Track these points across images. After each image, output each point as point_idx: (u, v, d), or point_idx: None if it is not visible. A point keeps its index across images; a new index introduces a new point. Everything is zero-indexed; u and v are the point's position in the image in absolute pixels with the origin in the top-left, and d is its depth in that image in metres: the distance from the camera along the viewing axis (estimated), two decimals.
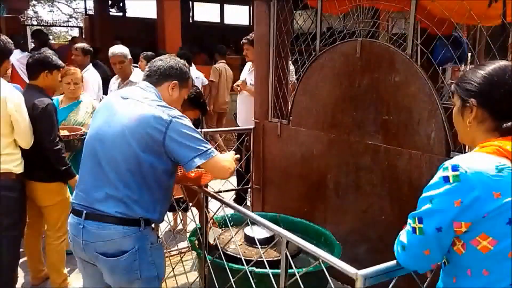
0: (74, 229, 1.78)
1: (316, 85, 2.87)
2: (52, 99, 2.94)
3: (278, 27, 3.14)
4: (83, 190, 1.78)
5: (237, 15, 12.78)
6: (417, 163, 2.27)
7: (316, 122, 2.90)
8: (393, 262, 1.21)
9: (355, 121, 2.61)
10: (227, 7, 12.77)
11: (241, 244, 2.23)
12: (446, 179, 1.06)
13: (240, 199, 4.23)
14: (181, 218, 3.58)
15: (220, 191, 3.69)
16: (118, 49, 3.85)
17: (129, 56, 3.83)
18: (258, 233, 2.19)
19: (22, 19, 10.92)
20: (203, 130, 3.23)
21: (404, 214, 1.22)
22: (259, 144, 3.42)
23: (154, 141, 1.68)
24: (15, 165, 2.68)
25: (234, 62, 6.90)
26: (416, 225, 1.11)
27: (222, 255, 1.91)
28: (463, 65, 4.38)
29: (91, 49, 4.62)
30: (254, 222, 2.19)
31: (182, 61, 1.94)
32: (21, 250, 3.07)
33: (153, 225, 1.86)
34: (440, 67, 3.89)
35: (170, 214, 3.70)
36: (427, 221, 1.09)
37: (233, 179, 4.73)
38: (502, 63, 1.14)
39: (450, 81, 4.41)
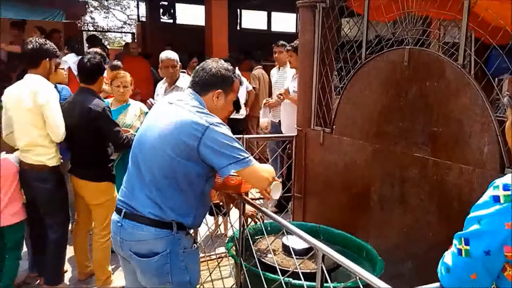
0: (114, 227, 1.84)
1: (361, 94, 2.80)
2: (104, 101, 3.09)
3: (323, 34, 3.10)
4: (125, 190, 1.84)
5: (284, 23, 12.80)
6: (468, 179, 2.15)
7: (360, 132, 2.82)
8: (437, 285, 1.14)
9: (401, 131, 2.52)
10: (274, 14, 12.83)
11: (279, 253, 2.19)
12: (496, 199, 0.99)
13: (281, 206, 4.20)
14: (221, 222, 3.60)
15: (261, 198, 3.69)
16: (171, 54, 3.93)
17: (178, 62, 3.92)
18: (296, 243, 2.15)
19: (79, 24, 11.51)
20: (244, 136, 3.24)
21: (453, 231, 1.14)
22: (301, 152, 3.38)
23: (188, 146, 1.69)
24: (48, 157, 2.86)
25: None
26: (462, 246, 1.04)
27: (257, 263, 1.88)
28: None
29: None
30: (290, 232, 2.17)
31: (225, 65, 1.91)
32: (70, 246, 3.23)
33: (190, 230, 1.86)
34: (496, 78, 3.68)
35: (210, 218, 3.74)
36: (474, 243, 1.02)
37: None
38: None
39: (506, 93, 4.16)
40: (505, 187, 0.98)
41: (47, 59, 2.92)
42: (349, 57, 2.98)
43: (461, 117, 2.18)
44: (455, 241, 1.08)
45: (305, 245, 2.13)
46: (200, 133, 1.68)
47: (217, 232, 3.88)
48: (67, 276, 3.28)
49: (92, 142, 2.92)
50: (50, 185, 2.89)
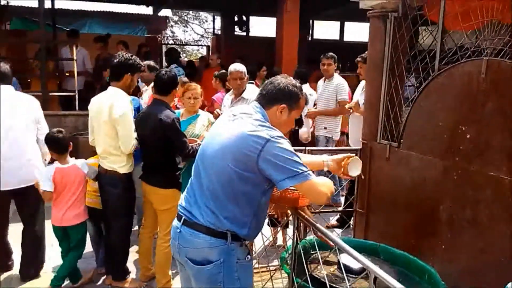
0: (174, 232, 1.90)
1: (433, 107, 2.64)
2: (175, 113, 3.24)
3: (394, 44, 2.97)
4: (187, 198, 1.90)
5: (358, 32, 12.56)
6: None
7: (430, 147, 2.66)
8: None
9: (476, 148, 2.33)
10: (347, 24, 12.64)
11: (334, 270, 2.12)
12: None
13: (343, 222, 4.07)
14: (276, 233, 3.56)
15: (322, 211, 3.61)
16: (239, 66, 4.03)
17: (246, 74, 4.00)
18: (353, 261, 2.06)
19: (159, 38, 12.22)
20: (307, 148, 3.19)
21: None
22: (366, 166, 3.25)
23: (248, 158, 1.70)
24: (120, 165, 3.07)
25: (350, 80, 6.76)
26: None
27: (308, 278, 1.83)
28: None
29: (157, 66, 4.89)
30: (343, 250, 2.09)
31: (293, 81, 1.92)
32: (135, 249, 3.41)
33: (245, 242, 1.85)
34: None
35: (269, 229, 3.72)
36: None
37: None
38: None
39: None
40: None
41: (129, 73, 3.12)
42: (421, 68, 2.83)
43: None
44: None
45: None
46: (260, 145, 1.69)
47: (276, 243, 3.85)
48: (131, 276, 3.43)
49: (162, 151, 3.07)
50: (119, 190, 3.10)
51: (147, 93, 4.24)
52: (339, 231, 3.86)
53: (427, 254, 2.59)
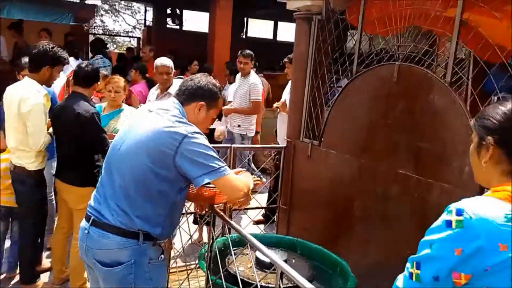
0: (81, 234, 1.81)
1: (350, 108, 2.77)
2: (95, 107, 3.08)
3: (317, 46, 3.08)
4: (96, 197, 1.81)
5: (290, 32, 12.86)
6: (448, 198, 2.08)
7: (347, 146, 2.79)
8: None
9: (387, 148, 2.48)
10: (281, 24, 12.88)
11: (251, 266, 2.15)
12: (448, 224, 0.95)
13: (267, 218, 4.15)
14: (201, 230, 3.55)
15: (247, 208, 3.65)
16: (166, 61, 3.93)
17: (173, 69, 3.92)
18: (275, 257, 2.10)
19: (86, 27, 11.59)
20: (232, 145, 3.20)
21: None
22: (289, 163, 3.34)
23: (165, 154, 1.67)
24: (28, 162, 2.88)
25: (280, 79, 6.91)
26: (414, 270, 1.00)
27: (222, 276, 1.84)
28: None
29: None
30: (265, 244, 2.12)
31: (214, 81, 1.93)
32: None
33: (158, 241, 1.80)
34: (495, 97, 3.64)
35: (194, 227, 3.69)
36: (424, 267, 0.97)
37: (263, 197, 4.67)
38: None
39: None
40: (458, 212, 0.95)
41: (48, 66, 2.94)
42: (341, 70, 2.95)
43: (445, 136, 2.14)
44: (408, 264, 1.04)
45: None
46: (177, 142, 1.66)
47: (201, 241, 3.83)
48: (43, 280, 3.24)
49: (78, 147, 2.91)
50: (27, 188, 2.91)
51: (59, 84, 3.97)
52: (265, 226, 3.92)
53: (343, 248, 2.71)
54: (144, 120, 1.77)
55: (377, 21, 2.60)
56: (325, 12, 3.00)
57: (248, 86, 5.01)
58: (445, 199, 2.11)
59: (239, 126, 5.08)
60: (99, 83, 3.18)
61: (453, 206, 0.97)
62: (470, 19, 2.11)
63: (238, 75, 5.32)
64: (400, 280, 1.06)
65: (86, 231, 1.76)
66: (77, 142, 2.88)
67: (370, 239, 2.58)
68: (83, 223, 1.81)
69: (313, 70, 3.12)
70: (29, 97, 2.82)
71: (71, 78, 3.27)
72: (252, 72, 5.18)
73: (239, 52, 5.11)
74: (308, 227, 3.16)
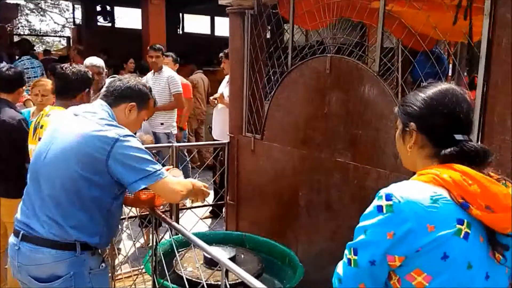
0: (11, 251, 1.71)
1: (288, 100, 2.82)
2: (21, 112, 2.91)
3: (252, 41, 3.09)
4: (24, 209, 1.71)
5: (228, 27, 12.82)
6: (385, 183, 2.18)
7: (288, 138, 2.84)
8: None
9: (325, 138, 2.55)
10: (217, 19, 12.78)
11: (199, 266, 2.13)
12: (379, 209, 1.00)
13: (215, 214, 4.14)
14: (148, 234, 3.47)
15: (193, 207, 3.61)
16: (95, 61, 3.79)
17: (103, 69, 3.76)
18: (218, 254, 2.10)
19: (9, 28, 10.83)
20: (173, 144, 3.15)
21: None
22: (234, 159, 3.35)
23: (96, 160, 1.60)
24: None
25: (219, 74, 6.88)
26: (352, 256, 1.04)
27: (168, 278, 1.81)
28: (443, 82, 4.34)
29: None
30: (213, 243, 2.12)
31: (144, 82, 1.88)
32: None
33: (97, 249, 1.74)
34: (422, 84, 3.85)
35: (143, 230, 3.61)
36: (361, 253, 1.02)
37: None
38: (444, 86, 1.08)
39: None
40: (388, 197, 1.00)
41: None
42: (276, 64, 2.99)
43: (378, 124, 2.24)
44: (346, 251, 1.08)
45: (227, 256, 2.08)
46: (109, 146, 1.60)
47: (149, 244, 3.75)
48: None
49: (6, 156, 2.73)
50: None
51: None
52: (214, 221, 3.92)
53: (291, 239, 2.77)
54: (70, 124, 1.69)
55: (307, 14, 2.65)
56: (257, 6, 3.02)
57: (166, 80, 4.77)
58: (382, 184, 2.17)
59: (162, 124, 4.78)
60: (24, 87, 2.99)
61: (383, 192, 1.02)
62: (393, 10, 2.21)
63: (149, 74, 5.00)
64: (340, 266, 1.10)
65: (16, 247, 1.66)
66: (4, 151, 2.70)
67: (315, 228, 2.66)
68: (12, 238, 1.71)
69: (249, 65, 3.13)
70: None
71: None
72: (165, 66, 4.93)
73: (149, 46, 4.85)
74: (257, 221, 3.19)
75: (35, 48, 10.10)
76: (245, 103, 3.21)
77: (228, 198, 3.46)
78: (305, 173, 2.70)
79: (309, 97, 2.66)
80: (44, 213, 1.63)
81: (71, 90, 2.41)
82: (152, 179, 1.64)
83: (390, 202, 0.98)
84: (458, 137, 1.03)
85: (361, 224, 1.04)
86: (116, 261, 2.94)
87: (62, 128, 1.70)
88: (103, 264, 1.76)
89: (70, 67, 2.50)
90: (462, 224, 0.96)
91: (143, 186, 1.64)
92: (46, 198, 1.64)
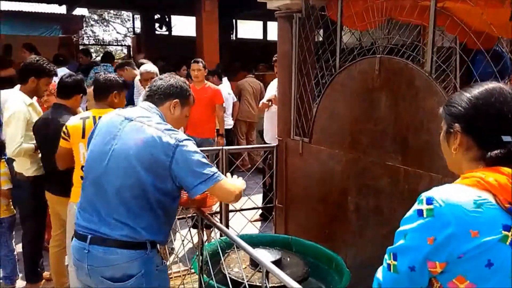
0: (78, 254, 1.75)
1: (336, 103, 2.78)
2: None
3: (300, 44, 3.09)
4: (86, 215, 1.76)
5: None
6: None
7: (336, 141, 2.80)
8: None
9: (374, 141, 2.49)
10: (270, 24, 12.87)
11: (245, 267, 2.16)
12: (420, 213, 0.96)
13: (265, 217, 4.16)
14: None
15: (243, 209, 3.66)
16: (150, 67, 3.96)
17: (157, 75, 3.91)
18: (264, 256, 2.12)
19: (75, 38, 11.58)
20: (223, 148, 3.22)
21: None
22: (282, 162, 3.36)
23: (160, 165, 1.67)
24: (25, 168, 3.06)
25: (268, 78, 6.93)
26: (391, 261, 1.01)
27: (213, 277, 1.85)
28: (506, 82, 4.08)
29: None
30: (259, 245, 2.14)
31: (182, 79, 1.95)
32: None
33: (158, 247, 1.83)
34: None
35: (193, 231, 3.70)
36: (400, 258, 0.99)
37: (258, 197, 4.69)
38: (491, 85, 1.02)
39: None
40: (428, 201, 0.96)
41: (34, 77, 3.07)
42: (325, 66, 2.96)
43: (430, 126, 2.15)
44: (386, 256, 1.05)
45: (271, 258, 2.09)
46: (171, 151, 1.67)
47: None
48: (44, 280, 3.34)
49: None
50: (25, 193, 3.05)
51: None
52: (263, 224, 3.94)
53: (339, 243, 2.73)
54: (129, 130, 1.74)
55: (356, 15, 2.61)
56: (305, 9, 3.01)
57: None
58: None
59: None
60: (82, 95, 3.17)
61: (424, 195, 0.98)
62: (445, 7, 2.12)
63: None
64: (380, 271, 1.07)
65: (85, 251, 1.70)
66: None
67: (364, 233, 2.59)
68: (77, 243, 1.75)
69: (298, 68, 3.13)
70: (9, 105, 2.97)
71: (53, 90, 3.30)
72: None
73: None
74: (305, 224, 3.17)
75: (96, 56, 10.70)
76: (293, 107, 3.21)
77: (276, 201, 3.47)
78: (354, 177, 2.65)
79: (358, 99, 2.61)
80: (112, 217, 1.69)
81: (101, 93, 2.73)
82: (212, 182, 1.69)
83: (431, 206, 0.94)
84: (506, 138, 0.97)
85: (401, 228, 1.01)
86: (168, 261, 3.04)
87: (122, 134, 1.75)
88: (164, 261, 1.83)
89: (103, 74, 2.83)
90: (509, 231, 0.90)
91: (203, 189, 1.69)
92: (113, 203, 1.69)
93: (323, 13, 2.98)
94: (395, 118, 2.34)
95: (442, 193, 0.95)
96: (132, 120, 1.78)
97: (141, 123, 1.75)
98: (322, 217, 2.98)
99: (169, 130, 1.73)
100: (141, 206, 1.69)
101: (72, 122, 2.62)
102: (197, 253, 2.01)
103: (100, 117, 2.62)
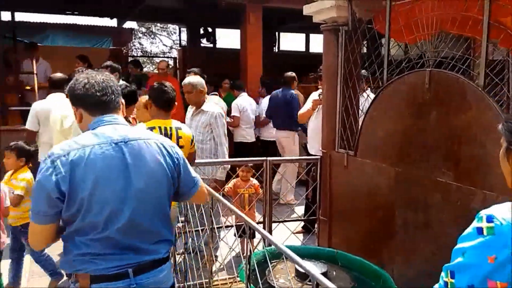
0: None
1: (384, 116, 2.75)
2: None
3: (346, 57, 3.09)
4: (113, 259, 1.54)
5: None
6: (492, 205, 2.04)
7: (383, 155, 2.76)
8: None
9: (424, 155, 2.44)
10: (312, 36, 12.88)
11: (292, 278, 2.17)
12: (479, 231, 0.94)
13: (307, 229, 4.14)
14: (243, 243, 3.59)
15: (286, 220, 3.67)
16: (189, 79, 3.91)
17: (200, 87, 3.79)
18: (310, 267, 2.12)
19: (125, 50, 12.08)
20: (268, 159, 3.25)
21: None
22: (326, 175, 3.35)
23: (174, 174, 1.67)
24: None
25: (314, 90, 6.91)
26: (448, 279, 1.00)
27: (260, 286, 1.87)
28: None
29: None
30: (304, 257, 2.13)
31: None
32: None
33: None
34: None
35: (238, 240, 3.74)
36: (459, 276, 0.97)
37: (300, 209, 4.67)
38: None
39: None
40: (489, 219, 0.94)
41: None
42: (371, 79, 2.95)
43: (484, 141, 2.08)
44: (442, 273, 1.03)
45: (319, 271, 2.08)
46: (177, 159, 1.68)
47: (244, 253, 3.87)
48: None
49: None
50: None
51: None
52: (306, 236, 3.92)
53: (385, 259, 2.68)
54: (134, 152, 1.57)
55: (404, 28, 2.58)
56: (351, 22, 3.02)
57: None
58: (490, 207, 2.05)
59: None
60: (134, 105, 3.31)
61: (483, 213, 0.96)
62: (499, 20, 2.07)
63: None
64: None
65: (133, 285, 1.55)
66: None
67: (413, 249, 2.53)
68: (118, 283, 1.54)
69: (343, 80, 3.13)
70: (68, 114, 3.10)
71: None
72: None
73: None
74: (349, 238, 3.14)
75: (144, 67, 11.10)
76: (338, 119, 3.20)
77: (320, 213, 3.46)
78: (402, 192, 2.60)
79: (406, 112, 2.57)
80: (153, 242, 1.62)
81: (171, 104, 2.91)
82: (199, 184, 1.79)
83: (492, 224, 0.93)
84: None
85: (459, 245, 1.00)
86: (214, 268, 3.09)
87: (131, 160, 1.59)
88: None
89: (167, 84, 2.93)
90: None
91: (195, 193, 1.77)
92: (153, 230, 1.62)
93: (369, 25, 2.97)
94: (446, 132, 2.29)
95: (503, 211, 0.94)
96: (129, 142, 1.57)
97: (142, 141, 1.60)
98: (367, 231, 2.94)
99: (163, 138, 1.77)
100: (164, 223, 1.67)
101: None
102: (244, 261, 2.04)
103: (165, 128, 2.78)
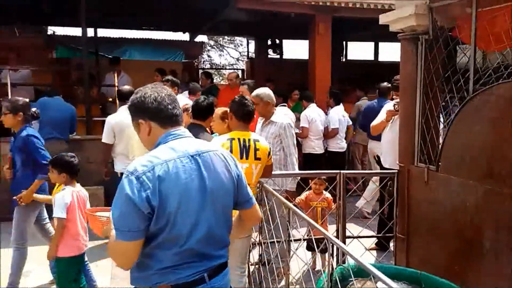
0: None
1: (470, 129, 2.58)
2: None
3: (426, 66, 2.95)
4: (189, 267, 1.58)
5: (392, 52, 12.38)
6: None
7: (469, 171, 2.58)
8: None
9: None
10: (381, 44, 12.52)
11: None
12: None
13: (381, 246, 3.97)
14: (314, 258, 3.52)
15: (360, 236, 3.55)
16: (255, 92, 3.87)
17: (267, 98, 3.74)
18: None
19: (196, 63, 12.55)
20: (341, 172, 3.17)
21: None
22: (404, 190, 3.19)
23: (236, 182, 1.74)
24: None
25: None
26: None
27: None
28: None
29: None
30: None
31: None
32: None
33: None
34: None
35: (309, 254, 3.68)
36: None
37: (373, 224, 4.49)
38: None
39: None
40: None
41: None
42: (454, 90, 2.77)
43: None
44: None
45: None
46: (237, 171, 1.75)
47: (315, 268, 3.81)
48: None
49: None
50: None
51: None
52: (379, 253, 3.77)
53: (472, 283, 2.49)
54: (207, 164, 1.62)
55: (492, 36, 2.41)
56: (432, 30, 2.88)
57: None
58: None
59: None
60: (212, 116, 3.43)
61: None
62: None
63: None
64: None
65: None
66: None
67: (504, 274, 2.33)
68: None
69: (423, 91, 2.98)
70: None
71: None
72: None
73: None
74: (429, 258, 2.95)
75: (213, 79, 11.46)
76: (418, 132, 3.05)
77: (397, 230, 3.30)
78: (491, 211, 2.41)
79: (496, 126, 2.38)
80: (218, 249, 1.66)
81: (251, 117, 3.03)
82: (254, 202, 1.82)
83: None
84: None
85: None
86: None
87: (204, 171, 1.66)
88: None
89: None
90: None
91: (251, 207, 1.79)
92: (224, 238, 1.71)
93: (450, 33, 2.82)
94: None
95: None
96: (200, 155, 1.61)
97: (208, 153, 1.64)
98: (451, 253, 2.75)
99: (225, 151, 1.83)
100: (228, 229, 1.75)
101: (221, 141, 2.82)
102: (325, 277, 2.00)
103: (244, 139, 2.84)
